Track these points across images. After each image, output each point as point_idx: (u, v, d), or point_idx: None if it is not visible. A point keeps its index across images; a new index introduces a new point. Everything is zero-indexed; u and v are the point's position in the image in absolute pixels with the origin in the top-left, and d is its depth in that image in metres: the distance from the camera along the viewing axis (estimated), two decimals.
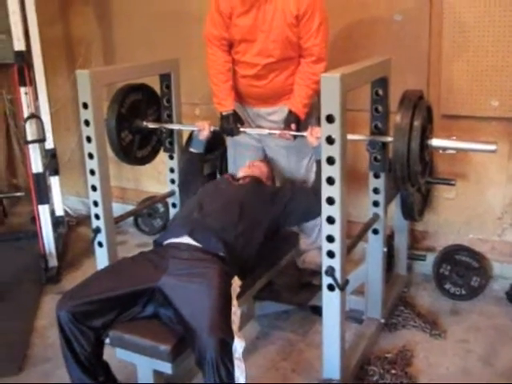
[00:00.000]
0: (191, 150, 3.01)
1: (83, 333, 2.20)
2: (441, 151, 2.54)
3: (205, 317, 2.06)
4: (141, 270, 2.35)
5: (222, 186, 2.86)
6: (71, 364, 2.25)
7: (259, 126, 3.11)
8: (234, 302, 2.23)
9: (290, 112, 2.93)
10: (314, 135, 2.62)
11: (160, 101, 3.20)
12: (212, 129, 2.96)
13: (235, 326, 2.13)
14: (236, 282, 2.33)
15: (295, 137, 2.90)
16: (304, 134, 2.72)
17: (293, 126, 2.89)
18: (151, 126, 3.10)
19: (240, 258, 2.48)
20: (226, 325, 2.08)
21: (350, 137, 2.22)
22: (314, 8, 2.77)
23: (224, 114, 3.00)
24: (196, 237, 2.45)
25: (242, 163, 3.18)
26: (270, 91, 2.98)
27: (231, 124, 2.98)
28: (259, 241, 2.60)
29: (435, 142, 2.42)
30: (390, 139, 2.47)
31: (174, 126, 3.17)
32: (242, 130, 3.00)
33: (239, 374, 2.04)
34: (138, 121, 3.06)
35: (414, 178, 2.34)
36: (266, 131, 2.98)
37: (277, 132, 2.91)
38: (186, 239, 2.46)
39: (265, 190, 2.84)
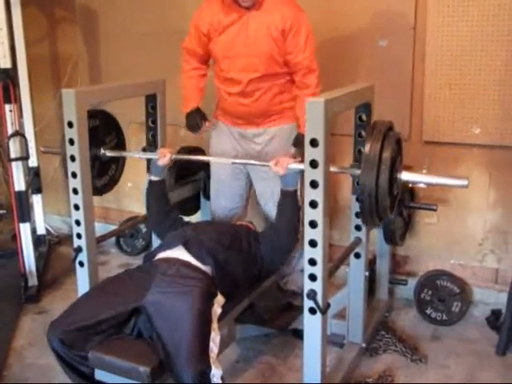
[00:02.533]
0: (151, 178, 2.90)
1: (79, 355, 2.22)
2: (410, 185, 2.49)
3: (183, 346, 2.09)
4: (126, 290, 2.36)
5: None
6: (77, 379, 2.27)
7: (244, 149, 3.13)
8: (215, 326, 2.24)
9: (299, 134, 2.95)
10: (280, 165, 2.51)
11: (118, 127, 3.14)
12: (173, 157, 2.85)
13: (213, 354, 2.15)
14: (218, 302, 2.35)
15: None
16: (268, 164, 2.59)
17: (296, 149, 2.91)
18: (109, 154, 2.95)
19: (227, 278, 2.50)
20: (203, 355, 2.11)
21: (332, 169, 2.24)
22: (300, 21, 2.81)
23: (188, 112, 3.10)
24: (189, 247, 2.50)
25: (225, 185, 3.21)
26: (256, 110, 3.00)
27: (194, 119, 3.08)
28: (244, 270, 2.64)
29: (405, 175, 2.38)
30: (358, 172, 2.35)
31: (134, 154, 3.16)
32: (234, 161, 2.94)
33: None
34: (95, 149, 2.87)
35: (382, 212, 2.30)
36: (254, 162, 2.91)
37: (264, 163, 2.75)
38: (179, 250, 2.51)
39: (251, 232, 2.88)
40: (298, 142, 2.94)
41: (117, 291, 2.36)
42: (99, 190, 3.06)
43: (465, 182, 2.32)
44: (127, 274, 2.54)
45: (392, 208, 2.38)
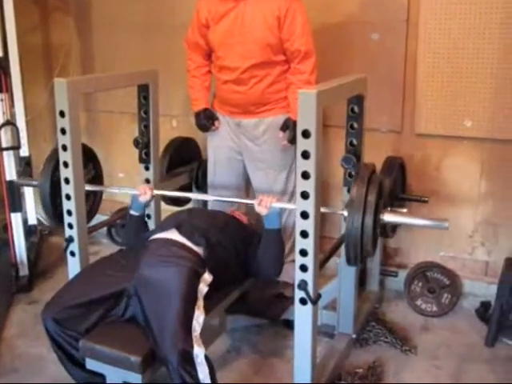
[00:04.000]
0: (131, 212, 2.78)
1: (72, 337, 2.25)
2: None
3: (167, 326, 2.14)
4: (118, 270, 2.42)
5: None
6: (70, 366, 2.32)
7: (240, 140, 3.16)
8: (200, 304, 2.27)
9: (289, 118, 2.98)
10: (263, 204, 2.49)
11: (96, 159, 3.13)
12: (154, 194, 2.76)
13: (196, 333, 2.18)
14: (205, 281, 2.37)
15: (292, 140, 2.93)
16: (252, 202, 2.56)
17: (287, 132, 2.97)
18: (88, 188, 2.86)
19: (219, 260, 2.52)
20: (186, 334, 2.14)
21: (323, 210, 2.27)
22: (295, 9, 2.83)
23: (196, 111, 3.16)
24: (182, 230, 2.52)
25: (222, 176, 3.24)
26: (251, 98, 3.01)
27: (202, 120, 3.16)
28: (235, 254, 2.65)
29: (387, 217, 2.39)
30: (344, 213, 2.36)
31: (112, 189, 3.19)
32: (218, 199, 2.91)
33: (203, 376, 2.12)
34: None
35: (365, 251, 2.32)
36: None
37: (248, 202, 2.76)
38: (172, 232, 2.53)
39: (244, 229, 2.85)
40: (286, 126, 2.99)
41: (109, 271, 2.42)
42: None
43: (445, 225, 2.34)
44: (120, 255, 2.60)
45: (374, 248, 2.40)
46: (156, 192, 2.81)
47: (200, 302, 2.28)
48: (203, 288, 2.34)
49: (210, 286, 2.38)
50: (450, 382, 2.69)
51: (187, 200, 3.54)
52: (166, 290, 2.22)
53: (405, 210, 2.55)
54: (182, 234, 2.52)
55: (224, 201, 2.92)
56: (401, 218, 2.46)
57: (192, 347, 2.12)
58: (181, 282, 2.25)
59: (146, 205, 2.81)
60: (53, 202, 2.87)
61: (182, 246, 2.47)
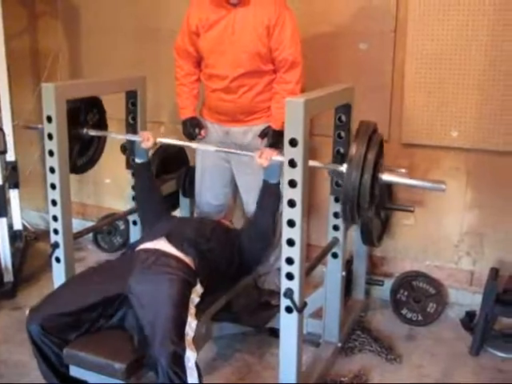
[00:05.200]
0: (136, 160, 2.92)
1: (56, 344, 2.22)
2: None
3: (159, 327, 2.12)
4: (108, 278, 2.39)
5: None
6: (49, 375, 2.27)
7: (228, 147, 3.14)
8: (192, 311, 2.27)
9: (269, 126, 3.00)
10: (264, 157, 2.50)
11: (100, 104, 3.13)
12: (157, 140, 2.85)
13: (189, 337, 2.18)
14: (197, 292, 2.37)
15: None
16: (252, 154, 2.58)
17: (265, 140, 2.99)
18: (92, 133, 2.98)
19: (209, 270, 2.51)
20: (178, 337, 2.13)
21: (311, 163, 2.25)
22: (285, 18, 2.84)
23: (183, 120, 3.16)
24: (172, 240, 2.52)
25: (210, 183, 3.23)
26: (240, 107, 3.01)
27: (189, 129, 3.15)
28: (224, 262, 2.65)
29: (386, 176, 2.42)
30: (339, 168, 2.42)
31: (117, 135, 3.14)
32: (218, 149, 2.93)
33: (192, 380, 2.11)
34: (77, 128, 2.90)
35: (362, 209, 2.35)
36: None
37: (248, 153, 2.75)
38: (162, 242, 2.52)
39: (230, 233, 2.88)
40: (265, 134, 3.01)
41: (98, 280, 2.39)
42: (79, 169, 3.08)
43: (442, 187, 2.36)
44: (109, 264, 2.60)
45: (371, 206, 2.42)
46: (159, 139, 2.85)
47: (192, 310, 2.28)
48: (195, 298, 2.34)
49: (201, 295, 2.38)
50: None
51: (175, 206, 3.53)
52: (158, 298, 2.21)
53: (404, 170, 2.55)
54: (172, 244, 2.50)
55: (225, 151, 2.94)
56: (399, 179, 2.47)
57: (184, 350, 2.11)
58: (173, 291, 2.24)
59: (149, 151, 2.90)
60: None
61: (173, 257, 2.45)
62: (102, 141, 3.18)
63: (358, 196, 2.26)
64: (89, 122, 3.02)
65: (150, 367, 2.15)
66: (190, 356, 2.12)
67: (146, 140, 2.80)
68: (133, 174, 3.10)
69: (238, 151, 2.84)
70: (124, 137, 3.12)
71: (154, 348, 2.09)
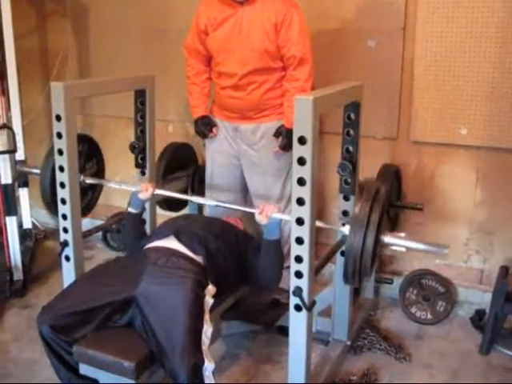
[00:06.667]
0: (129, 210, 2.77)
1: (67, 342, 2.22)
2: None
3: (177, 340, 2.11)
4: (118, 279, 2.37)
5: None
6: (63, 372, 2.28)
7: (238, 145, 3.17)
8: (207, 317, 2.26)
9: (282, 125, 3.01)
10: (264, 214, 2.47)
11: (100, 153, 3.18)
12: (155, 192, 2.75)
13: (205, 347, 2.17)
14: (210, 293, 2.36)
15: (284, 148, 2.99)
16: (253, 211, 2.55)
17: (280, 139, 3.01)
18: (89, 181, 2.93)
19: (218, 268, 2.51)
20: (196, 348, 2.13)
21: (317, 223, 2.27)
22: (292, 15, 2.84)
23: (195, 118, 3.19)
24: (181, 238, 2.52)
25: (220, 179, 3.25)
26: (249, 104, 3.03)
27: (200, 127, 3.19)
28: (233, 261, 2.64)
29: (388, 239, 2.41)
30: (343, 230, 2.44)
31: (115, 185, 3.05)
32: (218, 204, 2.78)
33: None
34: None
35: (363, 274, 2.37)
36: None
37: (249, 210, 2.68)
38: (171, 240, 2.52)
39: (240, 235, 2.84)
40: (279, 133, 3.02)
41: (109, 280, 2.37)
42: None
43: (444, 251, 2.36)
44: (118, 263, 2.56)
45: (373, 267, 2.43)
46: (158, 191, 2.79)
47: (207, 316, 2.26)
48: (209, 300, 2.33)
49: (214, 296, 2.38)
50: None
51: (183, 206, 3.53)
52: (172, 303, 2.19)
53: (403, 234, 2.54)
54: (181, 243, 2.50)
55: (225, 207, 2.79)
56: (400, 241, 2.45)
57: (203, 362, 2.12)
58: (186, 295, 2.22)
59: (145, 202, 2.83)
60: (53, 192, 2.82)
61: (183, 256, 2.45)
62: (98, 190, 3.21)
63: (360, 258, 2.28)
64: (87, 170, 3.03)
65: (167, 375, 2.15)
66: (208, 366, 2.13)
67: (145, 191, 2.73)
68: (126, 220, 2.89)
69: (238, 207, 2.79)
70: (122, 187, 2.99)
71: (173, 361, 2.08)
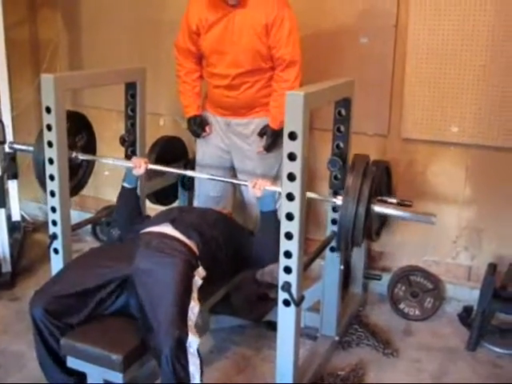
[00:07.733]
0: (124, 184, 2.84)
1: (59, 328, 2.22)
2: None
3: (162, 313, 2.13)
4: (112, 260, 2.39)
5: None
6: (48, 363, 2.28)
7: (230, 139, 3.17)
8: (195, 295, 2.28)
9: (267, 125, 3.03)
10: (257, 187, 2.51)
11: (91, 127, 3.14)
12: (148, 167, 2.81)
13: (191, 322, 2.18)
14: (199, 274, 2.38)
15: (267, 148, 3.04)
16: (246, 183, 2.62)
17: (264, 138, 3.03)
18: (81, 157, 2.95)
19: (211, 255, 2.53)
20: (181, 321, 2.15)
21: (309, 195, 2.37)
22: (283, 16, 2.84)
23: (187, 118, 3.19)
24: (176, 225, 2.54)
25: (209, 170, 3.23)
26: (242, 102, 3.04)
27: (193, 126, 3.18)
28: (226, 250, 2.65)
29: (377, 208, 2.47)
30: (339, 202, 2.47)
31: (108, 160, 3.10)
32: (213, 178, 2.91)
33: (194, 370, 2.12)
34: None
35: (355, 244, 2.44)
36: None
37: (242, 183, 2.85)
38: (166, 226, 2.54)
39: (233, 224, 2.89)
40: (263, 133, 3.05)
41: (102, 262, 2.39)
42: None
43: (432, 220, 2.40)
44: (113, 246, 2.63)
45: (363, 237, 2.48)
46: (150, 166, 2.83)
47: (195, 294, 2.29)
48: (198, 280, 2.35)
49: (204, 278, 2.39)
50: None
51: (173, 199, 3.53)
52: (162, 279, 2.23)
53: (394, 200, 2.58)
54: (176, 229, 2.52)
55: (218, 180, 2.95)
56: (389, 210, 2.50)
57: (187, 335, 2.12)
58: (176, 272, 2.26)
59: (139, 178, 2.87)
60: (45, 170, 2.74)
61: (177, 239, 2.47)
62: (89, 166, 3.18)
63: (353, 228, 2.35)
64: (77, 144, 2.99)
65: (151, 353, 2.15)
66: (192, 341, 2.13)
67: (138, 167, 2.77)
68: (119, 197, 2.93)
69: (232, 180, 2.97)
70: (115, 163, 3.06)
71: (158, 335, 2.08)
